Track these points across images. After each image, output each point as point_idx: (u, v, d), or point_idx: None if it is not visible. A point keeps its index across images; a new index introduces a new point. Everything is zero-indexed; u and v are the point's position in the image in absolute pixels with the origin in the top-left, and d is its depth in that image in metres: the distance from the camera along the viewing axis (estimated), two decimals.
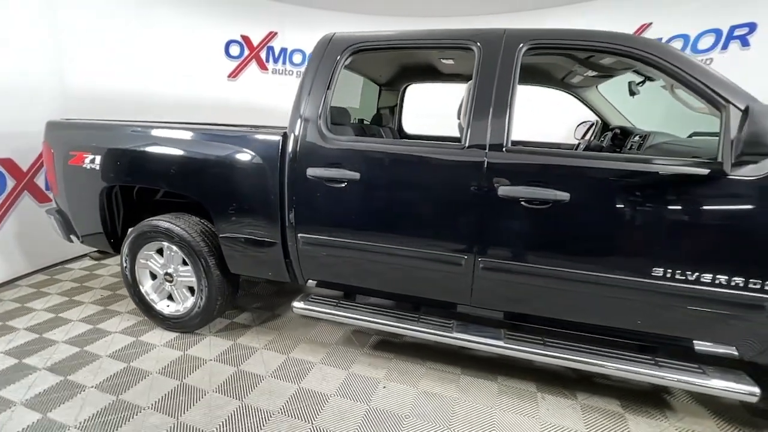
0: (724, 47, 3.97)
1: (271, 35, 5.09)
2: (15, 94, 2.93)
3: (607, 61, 2.13)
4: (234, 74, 4.98)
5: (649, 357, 1.68)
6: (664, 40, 4.41)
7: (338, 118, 2.23)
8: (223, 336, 2.39)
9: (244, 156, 1.98)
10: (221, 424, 1.69)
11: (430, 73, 2.98)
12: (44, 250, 3.25)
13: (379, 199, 1.82)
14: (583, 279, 1.60)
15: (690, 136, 2.24)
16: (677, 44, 4.33)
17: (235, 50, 4.91)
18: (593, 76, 2.48)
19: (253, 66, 5.06)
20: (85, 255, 3.46)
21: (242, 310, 2.73)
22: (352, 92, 3.46)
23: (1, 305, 2.68)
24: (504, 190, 1.61)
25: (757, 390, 1.51)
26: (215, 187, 2.06)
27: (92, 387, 1.90)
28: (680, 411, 1.85)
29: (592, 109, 2.96)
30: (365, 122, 3.10)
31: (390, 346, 2.33)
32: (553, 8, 5.02)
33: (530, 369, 2.12)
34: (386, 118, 3.30)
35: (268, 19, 5.04)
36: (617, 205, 1.53)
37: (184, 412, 1.75)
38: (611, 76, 2.48)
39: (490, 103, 1.67)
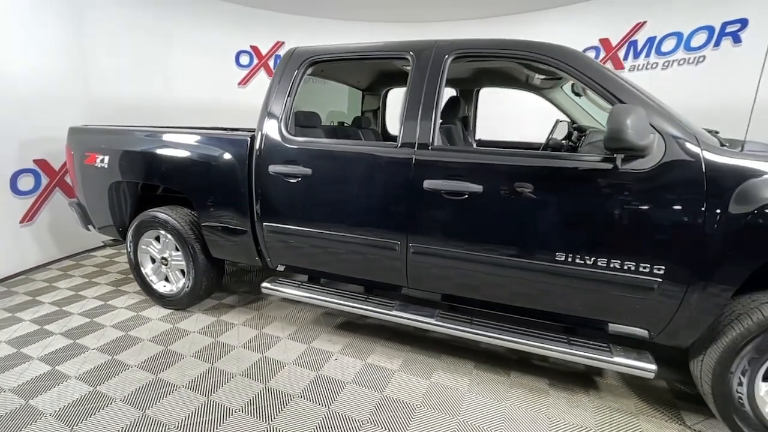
0: (717, 44, 3.93)
1: (279, 45, 5.47)
2: (49, 102, 3.42)
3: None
4: (244, 82, 5.40)
5: (563, 336, 1.83)
6: (658, 39, 4.40)
7: (306, 121, 2.50)
8: (210, 313, 2.72)
9: (219, 155, 2.30)
10: (190, 381, 2.00)
11: (404, 78, 3.20)
12: (73, 239, 3.74)
13: (328, 192, 2.08)
14: (497, 263, 1.78)
15: None
16: (671, 42, 4.31)
17: (245, 59, 5.33)
18: (545, 79, 2.62)
19: (262, 74, 5.46)
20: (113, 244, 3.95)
21: (231, 293, 3.06)
22: (339, 98, 3.75)
23: (33, 284, 3.16)
24: (428, 183, 1.82)
25: (653, 367, 1.64)
26: (196, 181, 2.39)
27: (94, 349, 2.28)
28: (604, 390, 1.98)
29: (560, 109, 3.07)
30: (346, 124, 3.37)
31: (353, 326, 2.57)
32: (548, 10, 5.08)
33: (471, 349, 2.30)
34: (369, 121, 3.55)
35: (276, 29, 5.42)
36: (522, 197, 1.70)
37: (163, 371, 2.08)
38: (560, 78, 2.61)
39: (419, 106, 1.89)
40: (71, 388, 1.94)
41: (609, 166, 1.56)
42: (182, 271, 2.67)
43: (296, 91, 2.22)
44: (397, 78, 3.25)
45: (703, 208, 1.46)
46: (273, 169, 2.14)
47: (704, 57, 4.06)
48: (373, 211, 1.99)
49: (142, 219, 2.65)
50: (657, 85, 4.42)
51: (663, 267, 1.54)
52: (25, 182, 3.37)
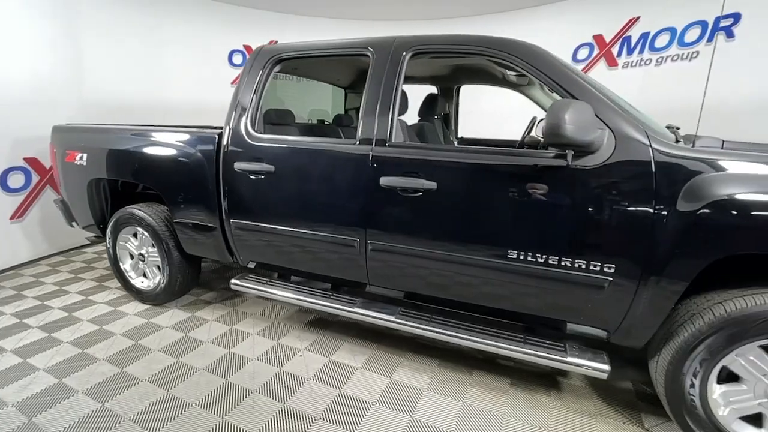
0: (710, 39, 3.84)
1: (271, 44, 5.50)
2: (41, 103, 3.50)
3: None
4: (237, 81, 5.44)
5: (519, 335, 1.81)
6: (651, 34, 4.31)
7: (278, 119, 2.52)
8: (186, 309, 2.76)
9: (189, 152, 2.33)
10: (152, 375, 2.03)
11: None
12: (63, 235, 3.82)
13: (289, 188, 2.08)
14: (452, 260, 1.76)
15: None
16: (664, 38, 4.22)
17: (237, 59, 5.37)
18: (517, 75, 2.58)
19: None
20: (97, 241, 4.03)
21: (211, 289, 3.10)
22: (324, 96, 3.76)
23: (20, 279, 3.24)
24: (384, 180, 1.81)
25: (606, 368, 1.61)
26: (167, 178, 2.42)
27: (67, 342, 2.33)
28: (566, 391, 1.95)
29: (539, 106, 3.03)
30: (326, 122, 3.37)
31: (324, 323, 2.58)
32: (542, 6, 5.01)
33: (438, 347, 2.28)
34: (351, 119, 3.54)
35: (269, 28, 5.45)
36: (475, 194, 1.69)
37: (129, 365, 2.12)
38: None
39: (377, 103, 1.89)
40: (38, 380, 1.98)
41: (562, 162, 1.54)
42: (159, 267, 2.71)
43: (263, 89, 2.23)
44: None
45: (652, 205, 1.42)
46: (238, 166, 2.16)
47: (698, 52, 3.96)
48: (333, 208, 1.99)
49: (119, 216, 2.70)
50: (651, 82, 4.36)
51: (613, 265, 1.51)
52: (15, 180, 3.46)
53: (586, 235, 1.54)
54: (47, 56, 3.58)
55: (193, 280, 2.82)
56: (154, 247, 2.66)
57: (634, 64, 4.50)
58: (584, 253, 1.55)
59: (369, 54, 1.96)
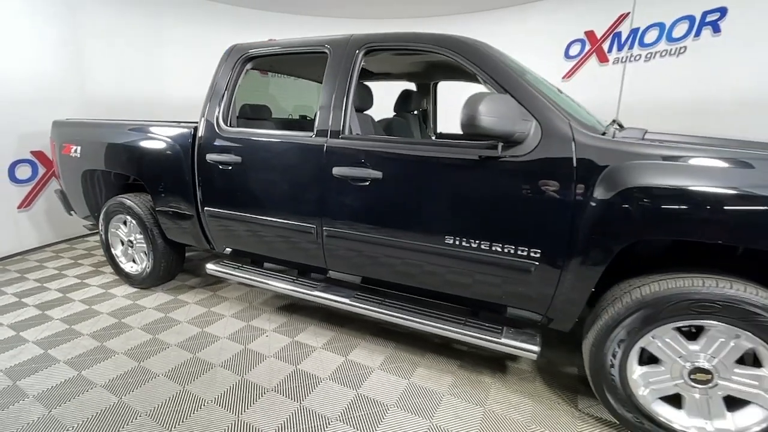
0: (697, 34, 3.82)
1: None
2: (46, 99, 3.75)
3: None
4: None
5: (461, 318, 1.90)
6: (641, 30, 4.30)
7: (253, 113, 2.66)
8: (170, 293, 2.94)
9: (168, 145, 2.50)
10: (129, 349, 2.20)
11: (368, 73, 3.30)
12: (69, 224, 4.07)
13: (254, 178, 2.22)
14: (396, 245, 1.87)
15: None
16: (653, 33, 4.20)
17: None
18: None
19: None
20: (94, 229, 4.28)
21: (197, 276, 3.27)
22: (310, 93, 3.89)
23: (25, 263, 3.50)
24: (336, 170, 1.93)
25: (536, 349, 1.69)
26: (149, 169, 2.60)
27: (57, 319, 2.53)
28: (512, 374, 2.03)
29: None
30: (308, 118, 3.50)
31: (295, 308, 2.71)
32: (534, 3, 5.02)
33: (398, 332, 2.39)
34: None
35: (268, 28, 5.61)
36: (415, 183, 1.79)
37: (109, 340, 2.30)
38: None
39: (332, 96, 2.00)
40: (26, 351, 2.18)
41: (494, 153, 1.62)
42: (145, 253, 2.90)
43: (234, 84, 2.37)
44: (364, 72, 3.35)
45: (572, 193, 1.50)
46: (210, 157, 2.31)
47: (685, 48, 3.94)
48: (293, 196, 2.12)
49: (110, 204, 2.90)
50: (640, 78, 4.34)
51: (539, 250, 1.59)
52: (23, 171, 3.72)
53: (514, 222, 1.62)
54: (52, 56, 3.82)
55: (177, 265, 3.00)
56: (141, 234, 2.85)
57: (624, 59, 4.48)
58: (512, 239, 1.63)
59: (327, 51, 2.07)
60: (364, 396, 1.85)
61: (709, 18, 3.70)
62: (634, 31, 4.35)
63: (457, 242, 1.73)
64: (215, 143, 2.32)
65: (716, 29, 3.67)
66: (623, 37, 4.45)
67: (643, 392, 1.55)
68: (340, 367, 2.06)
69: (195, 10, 5.12)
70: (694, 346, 1.46)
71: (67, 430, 1.63)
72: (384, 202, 1.87)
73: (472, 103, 1.42)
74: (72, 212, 3.31)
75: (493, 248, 1.67)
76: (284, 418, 1.71)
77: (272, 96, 4.65)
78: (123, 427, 1.64)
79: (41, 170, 3.85)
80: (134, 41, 4.60)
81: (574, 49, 4.90)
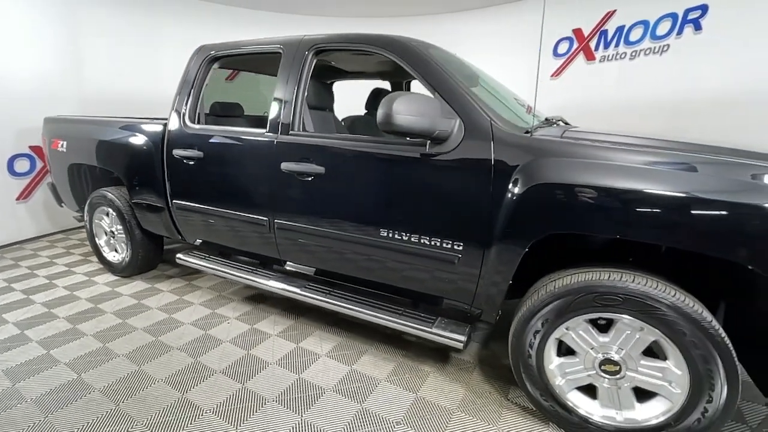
0: (680, 32, 3.78)
1: None
2: (44, 97, 3.95)
3: None
4: (231, 77, 5.79)
5: (400, 308, 1.98)
6: (626, 28, 4.27)
7: (223, 111, 2.78)
8: (148, 281, 3.09)
9: (141, 140, 2.64)
10: (98, 331, 2.35)
11: (341, 72, 3.39)
12: (66, 215, 4.28)
13: (214, 172, 2.34)
14: (337, 237, 1.96)
15: None
16: (638, 31, 4.17)
17: None
18: None
19: None
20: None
21: (177, 266, 3.42)
22: None
23: (21, 252, 3.72)
24: (284, 165, 2.03)
25: (462, 338, 1.75)
26: (125, 164, 2.75)
27: (39, 303, 2.71)
28: (452, 365, 2.09)
29: None
30: None
31: (261, 298, 2.83)
32: (524, 0, 5.02)
33: (353, 323, 2.47)
34: None
35: (266, 27, 5.75)
36: (353, 178, 1.87)
37: (82, 323, 2.46)
38: None
39: (283, 94, 2.10)
40: (4, 331, 2.35)
41: (424, 150, 1.69)
42: (125, 243, 3.05)
43: (201, 83, 2.49)
44: (335, 72, 3.44)
45: (489, 189, 1.56)
46: (176, 152, 2.44)
47: (668, 46, 3.89)
48: (248, 190, 2.23)
49: (93, 196, 3.07)
50: (625, 76, 4.31)
51: (461, 243, 1.66)
52: (21, 165, 3.94)
53: (439, 216, 1.69)
54: (51, 55, 4.03)
55: (156, 256, 3.15)
56: (120, 225, 3.01)
57: (610, 58, 4.46)
58: (437, 232, 1.70)
59: (280, 51, 2.17)
60: (305, 380, 1.94)
61: (691, 15, 3.66)
62: (619, 29, 4.32)
63: (391, 235, 1.81)
64: (181, 139, 2.44)
65: (698, 27, 3.62)
66: (609, 35, 4.42)
67: (559, 382, 1.60)
68: (289, 353, 2.17)
69: (193, 10, 5.28)
70: (604, 338, 1.50)
71: (26, 401, 1.77)
72: (326, 195, 1.96)
73: (388, 102, 1.49)
74: (62, 204, 3.51)
75: (422, 241, 1.74)
76: (225, 396, 1.82)
77: (263, 94, 4.77)
78: (75, 401, 1.78)
79: (39, 164, 4.07)
80: (132, 41, 4.78)
81: (563, 47, 4.89)
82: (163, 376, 1.96)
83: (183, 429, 1.63)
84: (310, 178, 1.97)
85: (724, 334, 1.31)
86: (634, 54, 4.21)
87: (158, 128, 2.57)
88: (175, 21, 5.15)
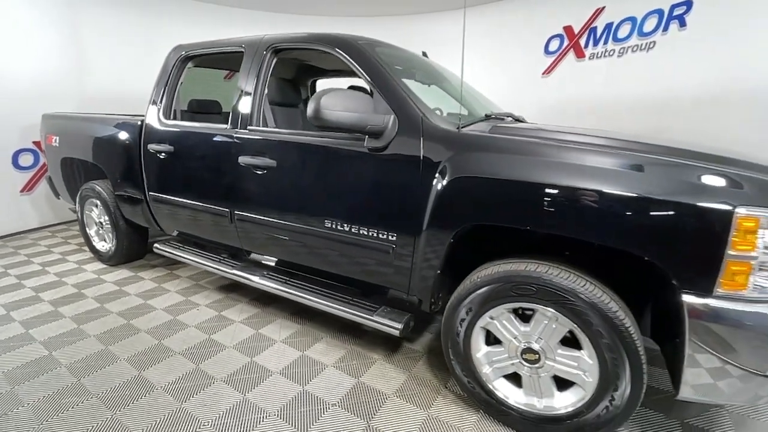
0: (665, 29, 3.73)
1: None
2: (48, 95, 4.17)
3: None
4: (229, 77, 5.96)
5: (348, 297, 2.05)
6: (615, 25, 4.22)
7: (200, 107, 2.91)
8: (133, 270, 3.26)
9: (123, 135, 2.79)
10: (76, 314, 2.51)
11: (321, 71, 3.48)
12: (67, 207, 4.52)
13: (183, 165, 2.46)
14: (288, 228, 2.05)
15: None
16: (626, 28, 4.12)
17: None
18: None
19: None
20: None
21: (162, 256, 3.58)
22: None
23: (23, 241, 3.95)
24: (242, 158, 2.13)
25: (398, 326, 1.82)
26: (108, 157, 2.91)
27: (29, 287, 2.90)
28: (401, 354, 2.15)
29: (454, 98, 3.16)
30: None
31: (234, 288, 2.94)
32: None
33: (317, 314, 2.55)
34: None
35: (263, 27, 5.89)
36: (300, 171, 1.95)
37: (63, 306, 2.62)
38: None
39: (243, 92, 2.20)
40: None
41: (361, 144, 1.76)
42: (111, 233, 3.22)
43: (176, 81, 2.62)
44: (315, 70, 3.54)
45: (419, 181, 1.62)
46: (150, 147, 2.58)
47: (654, 43, 3.84)
48: (211, 183, 2.34)
49: (83, 189, 3.25)
50: (614, 73, 4.27)
51: (395, 234, 1.72)
52: (25, 159, 4.18)
53: (374, 207, 1.76)
54: (55, 55, 4.25)
55: (140, 246, 3.32)
56: (107, 216, 3.17)
57: (599, 55, 4.41)
58: (374, 223, 1.77)
59: (243, 50, 2.27)
60: (256, 363, 2.05)
61: (676, 12, 3.60)
62: (608, 26, 4.27)
63: (334, 226, 1.89)
64: (155, 134, 2.58)
65: (682, 23, 3.56)
66: (599, 32, 4.38)
67: (486, 370, 1.65)
68: (248, 339, 2.27)
69: (191, 10, 5.46)
70: (525, 328, 1.55)
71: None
72: (277, 188, 2.05)
73: (317, 97, 1.57)
74: (59, 197, 3.71)
75: (360, 231, 1.81)
76: (178, 374, 1.94)
77: None
78: (41, 375, 1.92)
79: (42, 158, 4.30)
80: (133, 40, 4.98)
81: (554, 45, 4.86)
82: (126, 356, 2.09)
83: (134, 402, 1.75)
84: (264, 172, 2.06)
85: (632, 329, 1.33)
86: (622, 51, 4.16)
87: (136, 124, 2.71)
88: (175, 21, 5.34)
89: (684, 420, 1.70)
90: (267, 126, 2.19)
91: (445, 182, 1.54)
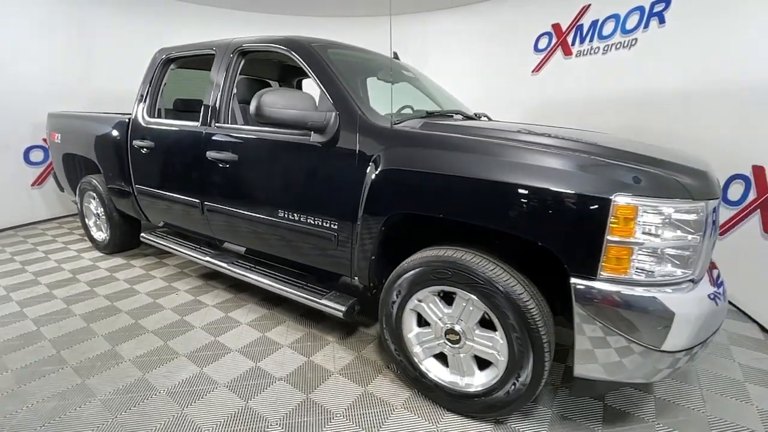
0: (646, 26, 3.72)
1: None
2: (58, 95, 4.46)
3: None
4: None
5: (303, 282, 2.20)
6: (600, 22, 4.22)
7: (184, 106, 3.11)
8: (126, 258, 3.49)
9: (113, 133, 3.01)
10: (67, 296, 2.74)
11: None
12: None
13: (162, 159, 2.66)
14: (249, 218, 2.21)
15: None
16: (610, 25, 4.12)
17: None
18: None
19: None
20: None
21: (154, 247, 3.81)
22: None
23: (33, 231, 4.26)
24: (209, 153, 2.30)
25: (340, 308, 1.96)
26: (100, 152, 3.14)
27: (30, 272, 3.16)
28: (355, 337, 2.29)
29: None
30: None
31: (215, 276, 3.13)
32: None
33: (286, 301, 2.70)
34: None
35: (261, 28, 6.11)
36: (257, 164, 2.11)
37: (57, 288, 2.86)
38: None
39: (212, 91, 2.37)
40: None
41: (307, 139, 1.90)
42: (106, 224, 3.47)
43: (159, 81, 2.82)
44: (301, 70, 3.69)
45: (355, 173, 1.75)
46: (135, 143, 2.79)
47: (636, 40, 3.83)
48: (185, 176, 2.53)
49: (82, 182, 3.50)
50: (598, 71, 4.27)
51: (336, 223, 1.85)
52: (36, 155, 4.49)
53: (319, 197, 1.90)
54: (63, 57, 4.54)
55: (134, 236, 3.54)
56: (102, 207, 3.42)
57: (585, 53, 4.42)
58: (318, 213, 1.91)
59: (214, 52, 2.44)
60: (219, 342, 2.22)
61: (656, 8, 3.59)
62: (594, 23, 4.28)
63: (286, 215, 2.03)
64: (140, 131, 2.78)
65: (662, 20, 3.55)
66: (585, 30, 4.38)
67: (417, 350, 1.77)
68: (216, 321, 2.45)
69: (193, 12, 5.71)
70: (448, 310, 1.66)
71: None
72: (240, 180, 2.21)
73: (259, 95, 1.72)
74: (63, 190, 3.99)
75: (308, 220, 1.95)
76: (147, 349, 2.12)
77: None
78: (25, 348, 2.14)
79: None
80: (138, 41, 5.25)
81: (543, 43, 4.88)
82: (104, 333, 2.30)
83: (104, 371, 1.95)
84: (227, 165, 2.23)
85: (535, 311, 1.41)
86: (606, 48, 4.16)
87: (125, 121, 2.92)
88: (179, 25, 5.59)
89: (607, 403, 1.78)
90: (237, 123, 2.35)
91: (375, 174, 1.66)
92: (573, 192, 1.27)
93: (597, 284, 1.28)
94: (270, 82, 4.11)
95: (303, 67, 2.01)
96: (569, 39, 4.59)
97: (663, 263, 1.28)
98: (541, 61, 4.92)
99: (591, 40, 4.34)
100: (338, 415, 1.69)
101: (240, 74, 2.39)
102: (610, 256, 1.26)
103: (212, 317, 2.49)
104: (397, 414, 1.71)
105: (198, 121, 2.43)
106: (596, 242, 1.25)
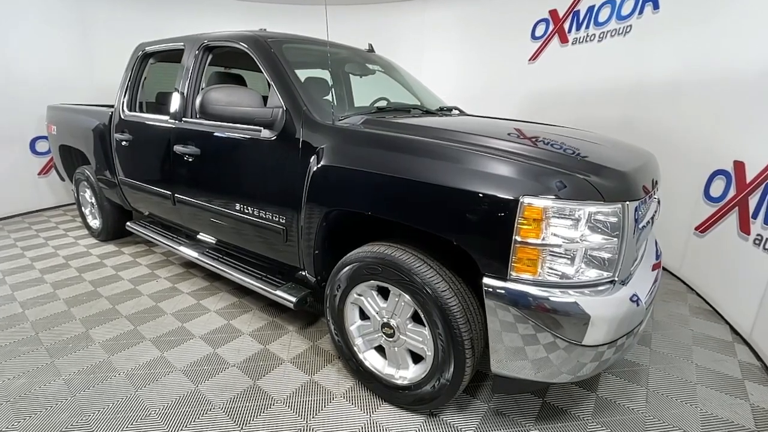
0: (641, 12, 3.55)
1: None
2: (62, 88, 4.65)
3: None
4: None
5: (262, 273, 2.27)
6: (596, 8, 4.06)
7: (165, 100, 3.17)
8: (117, 246, 3.66)
9: (98, 125, 3.13)
10: (56, 281, 2.91)
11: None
12: None
13: (139, 152, 2.76)
14: (211, 210, 2.28)
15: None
16: (606, 11, 3.96)
17: None
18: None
19: None
20: None
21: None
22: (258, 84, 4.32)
23: (38, 218, 4.50)
24: (176, 147, 2.38)
25: (291, 299, 2.02)
26: (88, 144, 3.27)
27: (27, 257, 3.36)
28: (316, 329, 2.36)
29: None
30: None
31: (196, 266, 3.25)
32: None
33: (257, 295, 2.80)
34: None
35: (262, 18, 6.13)
36: (215, 158, 2.17)
37: (49, 273, 3.04)
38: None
39: (180, 86, 2.43)
40: None
41: (258, 135, 1.94)
42: (99, 213, 3.63)
43: (138, 75, 2.91)
44: None
45: (298, 170, 1.78)
46: (116, 135, 2.90)
47: (631, 26, 3.67)
48: (157, 168, 2.62)
49: (77, 173, 3.67)
50: (593, 59, 4.12)
51: (284, 216, 1.90)
52: (41, 146, 4.70)
53: (268, 192, 1.95)
54: (67, 52, 4.71)
55: (124, 224, 3.70)
56: (94, 197, 3.58)
57: (581, 40, 4.26)
58: (268, 206, 1.96)
59: (183, 47, 2.50)
60: (185, 328, 2.33)
61: None
62: (590, 9, 4.11)
63: (241, 208, 2.09)
64: (119, 124, 2.89)
65: (656, 6, 3.38)
66: (581, 16, 4.22)
67: (358, 342, 1.82)
68: (187, 308, 2.56)
69: (193, 4, 5.78)
70: (384, 304, 1.69)
71: None
72: (202, 173, 2.29)
73: (204, 92, 1.76)
74: (64, 180, 4.19)
75: (259, 214, 2.01)
76: (118, 333, 2.25)
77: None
78: (8, 329, 2.31)
79: None
80: (140, 37, 5.38)
81: (540, 30, 4.72)
82: (81, 316, 2.44)
83: (74, 353, 2.08)
84: (192, 159, 2.30)
85: (456, 308, 1.41)
86: (602, 36, 4.00)
87: (108, 114, 3.04)
88: (182, 16, 5.68)
89: (546, 400, 1.79)
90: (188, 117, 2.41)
91: (314, 170, 1.69)
92: (483, 193, 1.27)
93: (508, 284, 1.29)
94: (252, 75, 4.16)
95: (257, 63, 2.04)
96: (566, 26, 4.43)
97: (578, 265, 1.27)
98: (537, 50, 4.77)
99: (587, 27, 4.18)
100: (278, 402, 1.77)
101: (214, 68, 2.44)
102: (520, 257, 1.26)
103: (184, 304, 2.61)
104: (335, 403, 1.77)
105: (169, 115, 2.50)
106: (505, 243, 1.25)
